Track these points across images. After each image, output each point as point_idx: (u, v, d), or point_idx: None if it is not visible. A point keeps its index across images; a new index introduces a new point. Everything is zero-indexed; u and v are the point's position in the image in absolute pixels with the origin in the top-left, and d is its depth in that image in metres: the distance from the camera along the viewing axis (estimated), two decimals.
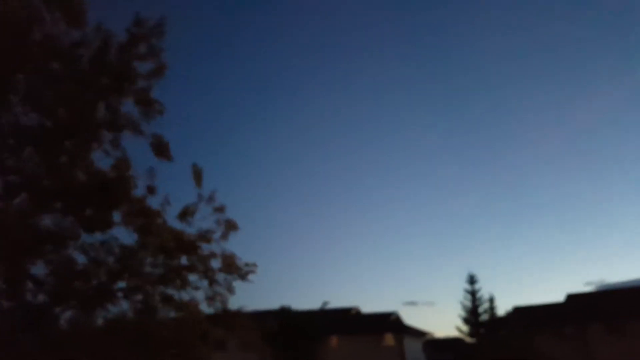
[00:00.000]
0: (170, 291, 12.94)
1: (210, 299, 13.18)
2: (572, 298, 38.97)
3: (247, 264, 13.70)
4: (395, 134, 72.67)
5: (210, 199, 13.50)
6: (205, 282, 13.22)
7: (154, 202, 12.79)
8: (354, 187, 76.30)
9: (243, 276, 13.60)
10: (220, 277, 13.36)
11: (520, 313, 39.39)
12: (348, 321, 40.23)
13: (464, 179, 74.86)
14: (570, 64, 67.67)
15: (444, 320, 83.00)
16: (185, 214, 13.30)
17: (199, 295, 13.29)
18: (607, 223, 68.52)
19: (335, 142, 74.19)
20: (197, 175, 13.35)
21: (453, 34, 68.66)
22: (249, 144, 69.10)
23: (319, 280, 65.66)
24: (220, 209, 13.60)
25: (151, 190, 12.57)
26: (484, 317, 47.66)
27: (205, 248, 13.32)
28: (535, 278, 69.31)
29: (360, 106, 71.68)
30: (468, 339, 47.85)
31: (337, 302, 46.89)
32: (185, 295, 13.11)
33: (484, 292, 48.59)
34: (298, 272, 70.90)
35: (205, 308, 13.48)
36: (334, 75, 71.21)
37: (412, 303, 71.71)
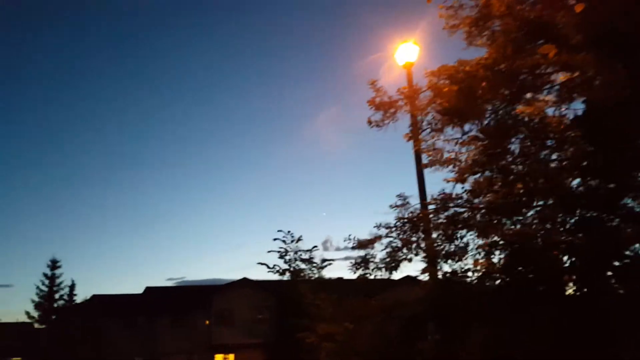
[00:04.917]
0: None
1: None
2: (149, 290, 40.29)
3: None
4: None
5: None
6: None
7: None
8: None
9: None
10: None
11: (98, 301, 38.69)
12: None
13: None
14: None
15: (20, 305, 75.33)
16: None
17: None
18: (190, 226, 74.83)
19: None
20: None
21: None
22: None
23: None
24: None
25: None
26: (61, 303, 44.74)
27: None
28: (123, 270, 69.97)
29: None
30: (37, 326, 44.07)
31: None
32: None
33: (66, 278, 45.75)
34: None
35: None
36: None
37: None
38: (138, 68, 75.15)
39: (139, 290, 41.83)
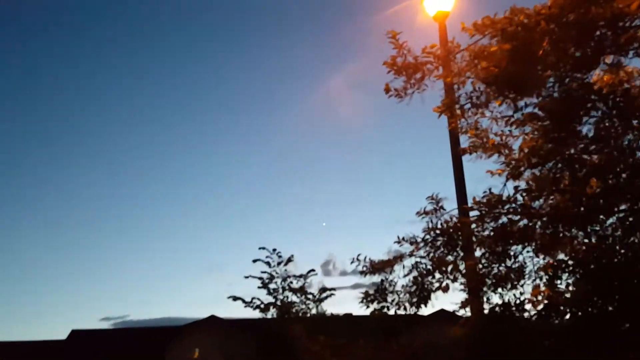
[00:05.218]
0: None
1: None
2: (76, 335, 35.54)
3: None
4: None
5: None
6: None
7: None
8: None
9: None
10: None
11: (4, 351, 33.58)
12: None
13: None
14: None
15: None
16: None
17: None
18: (134, 249, 68.00)
19: None
20: None
21: None
22: None
23: None
24: None
25: None
26: None
27: None
28: (38, 310, 62.18)
29: None
30: None
31: None
32: None
33: None
34: None
35: None
36: None
37: None
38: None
39: (62, 335, 36.51)
